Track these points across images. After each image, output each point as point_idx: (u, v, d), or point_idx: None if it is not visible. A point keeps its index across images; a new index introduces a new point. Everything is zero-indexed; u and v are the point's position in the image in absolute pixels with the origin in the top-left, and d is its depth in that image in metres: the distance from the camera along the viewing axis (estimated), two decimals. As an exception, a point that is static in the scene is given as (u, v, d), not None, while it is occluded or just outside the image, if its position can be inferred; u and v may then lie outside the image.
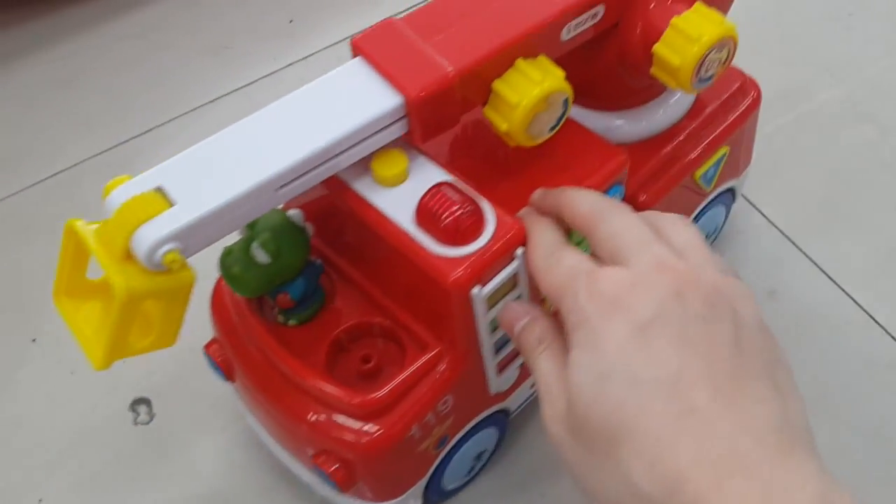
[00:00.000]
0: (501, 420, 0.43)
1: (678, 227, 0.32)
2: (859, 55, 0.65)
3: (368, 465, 0.37)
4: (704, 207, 0.47)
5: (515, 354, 0.39)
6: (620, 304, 0.28)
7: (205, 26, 0.73)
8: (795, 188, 0.55)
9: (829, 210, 0.56)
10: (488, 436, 0.43)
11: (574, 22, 0.36)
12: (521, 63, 0.35)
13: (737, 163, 0.47)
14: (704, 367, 0.27)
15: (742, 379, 0.27)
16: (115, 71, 0.70)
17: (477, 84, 0.35)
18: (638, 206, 0.42)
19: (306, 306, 0.39)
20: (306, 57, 0.70)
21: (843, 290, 0.52)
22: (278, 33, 0.72)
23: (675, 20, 0.36)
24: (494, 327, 0.37)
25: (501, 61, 0.35)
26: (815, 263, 0.53)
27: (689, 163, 0.43)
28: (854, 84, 0.63)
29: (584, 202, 0.33)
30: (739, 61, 0.42)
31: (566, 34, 0.36)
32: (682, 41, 0.36)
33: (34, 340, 0.53)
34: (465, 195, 0.34)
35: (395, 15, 0.37)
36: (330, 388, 0.36)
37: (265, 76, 0.69)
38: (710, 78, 0.38)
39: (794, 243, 0.54)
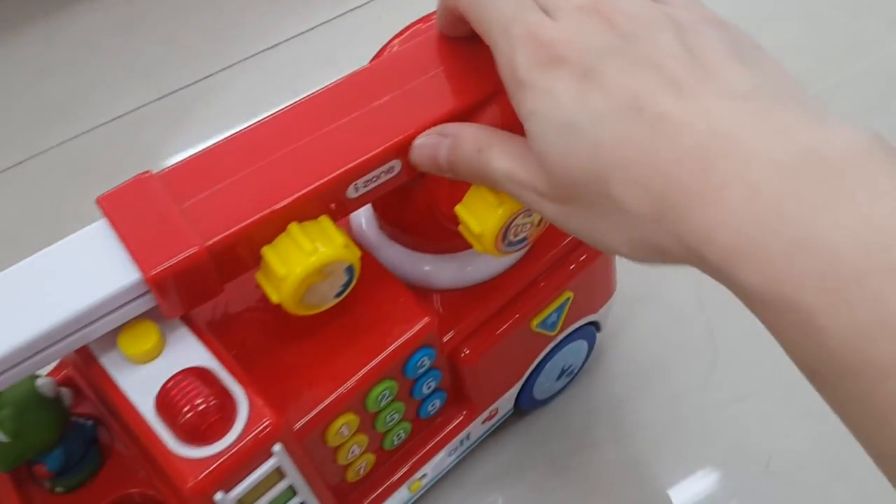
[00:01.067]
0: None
1: None
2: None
3: None
4: (555, 348, 0.43)
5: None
6: (558, 60, 0.28)
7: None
8: None
9: None
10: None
11: (362, 180, 0.32)
12: (293, 228, 0.31)
13: (590, 302, 0.43)
14: (661, 77, 0.26)
15: (702, 70, 0.26)
16: (174, 17, 0.71)
17: (241, 251, 0.31)
18: (460, 362, 0.38)
19: (74, 473, 0.35)
20: (363, 4, 0.70)
21: None
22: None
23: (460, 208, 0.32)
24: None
25: (269, 227, 0.31)
26: None
27: (521, 314, 0.39)
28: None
29: None
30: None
31: (353, 192, 0.32)
32: (484, 207, 0.32)
33: None
34: (215, 383, 0.30)
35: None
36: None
37: (324, 22, 0.69)
38: (520, 241, 0.34)
39: None
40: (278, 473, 0.31)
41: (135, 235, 0.30)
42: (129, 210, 0.30)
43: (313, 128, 0.33)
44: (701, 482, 0.46)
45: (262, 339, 0.34)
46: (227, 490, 0.30)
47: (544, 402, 0.47)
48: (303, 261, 0.31)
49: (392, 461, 0.39)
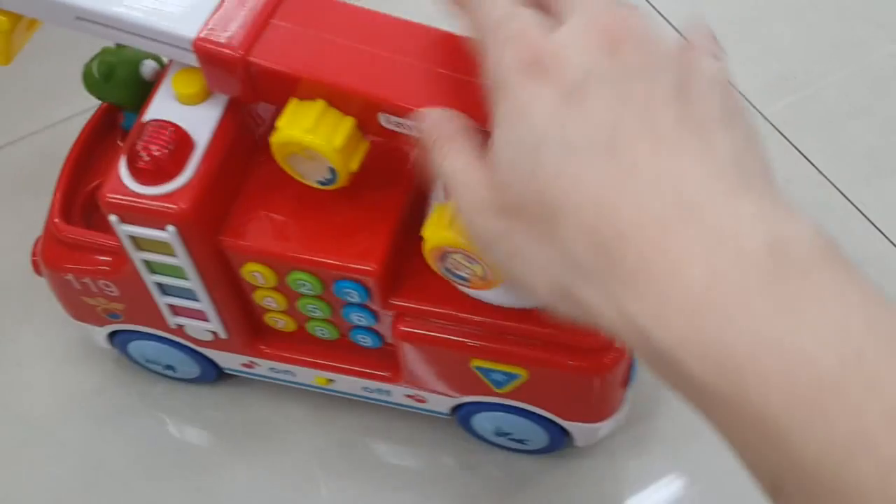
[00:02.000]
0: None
1: None
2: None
3: None
4: (496, 405, 0.40)
5: (194, 313, 0.40)
6: (545, 69, 0.26)
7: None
8: (845, 139, 0.53)
9: (879, 161, 0.56)
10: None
11: (394, 118, 0.33)
12: (318, 104, 0.33)
13: (555, 403, 0.39)
14: (644, 122, 0.25)
15: (686, 128, 0.25)
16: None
17: (272, 88, 0.34)
18: (394, 330, 0.38)
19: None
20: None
21: (891, 240, 0.52)
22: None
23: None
24: (155, 270, 0.38)
25: (305, 89, 0.33)
26: (863, 213, 0.54)
27: (466, 347, 0.37)
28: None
29: None
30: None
31: (385, 121, 0.33)
32: (437, 223, 0.31)
33: None
34: (182, 150, 0.34)
35: None
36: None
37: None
38: (460, 277, 0.33)
39: (842, 193, 0.54)
40: (169, 248, 0.36)
41: (230, 8, 0.34)
42: None
43: (406, 50, 0.33)
44: None
45: (275, 177, 0.37)
46: (122, 221, 0.35)
47: (492, 443, 0.45)
48: (295, 130, 0.33)
49: (311, 342, 0.42)
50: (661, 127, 0.24)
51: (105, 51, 0.42)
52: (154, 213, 0.35)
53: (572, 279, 0.24)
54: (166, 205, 0.34)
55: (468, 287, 0.34)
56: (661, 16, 0.62)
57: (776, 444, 0.21)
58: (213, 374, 0.46)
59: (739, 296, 0.21)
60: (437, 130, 0.30)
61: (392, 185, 0.38)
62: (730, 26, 0.60)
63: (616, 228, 0.23)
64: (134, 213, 0.35)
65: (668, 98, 0.25)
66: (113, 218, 0.35)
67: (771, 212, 0.23)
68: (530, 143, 0.25)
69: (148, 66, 0.41)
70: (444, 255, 0.32)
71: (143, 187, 0.35)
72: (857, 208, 0.54)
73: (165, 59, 0.41)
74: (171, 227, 0.35)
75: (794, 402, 0.20)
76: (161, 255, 0.36)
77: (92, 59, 0.42)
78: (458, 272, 0.32)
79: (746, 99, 0.56)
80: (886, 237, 0.53)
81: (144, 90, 0.41)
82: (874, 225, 0.54)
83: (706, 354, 0.21)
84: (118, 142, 0.43)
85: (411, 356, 0.39)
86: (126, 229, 0.35)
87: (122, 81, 0.41)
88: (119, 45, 0.42)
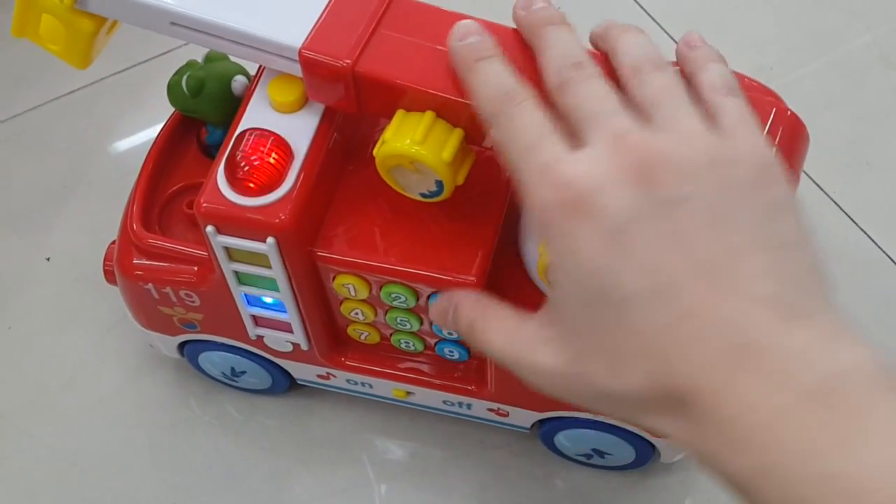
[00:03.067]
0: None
1: (651, 76, 0.29)
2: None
3: None
4: (578, 420, 0.40)
5: (278, 324, 0.39)
6: (587, 211, 0.26)
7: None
8: (822, 132, 0.50)
9: (853, 152, 0.56)
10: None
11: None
12: (427, 115, 0.32)
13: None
14: (692, 260, 0.25)
15: (732, 256, 0.25)
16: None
17: (380, 98, 0.33)
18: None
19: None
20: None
21: (866, 232, 0.53)
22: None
23: None
24: (244, 282, 0.37)
25: (415, 100, 0.32)
26: (837, 204, 0.54)
27: None
28: (882, 31, 0.62)
29: (553, 61, 0.30)
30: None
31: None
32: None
33: (48, 259, 0.53)
34: (282, 163, 0.34)
35: None
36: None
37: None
38: None
39: (816, 183, 0.55)
40: (265, 260, 0.35)
41: (335, 17, 0.33)
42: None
43: (514, 58, 0.32)
44: None
45: (371, 190, 0.37)
46: (218, 232, 0.34)
47: (573, 460, 0.44)
48: (402, 141, 0.32)
49: (393, 354, 0.41)
50: (707, 262, 0.25)
51: (193, 65, 0.41)
52: (255, 223, 0.34)
53: (645, 415, 0.27)
54: (267, 217, 0.34)
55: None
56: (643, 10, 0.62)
57: None
58: (285, 386, 0.46)
59: (801, 433, 0.23)
60: (466, 314, 0.31)
61: (488, 195, 0.37)
62: (706, 16, 0.61)
63: (682, 374, 0.25)
64: (232, 224, 0.34)
65: (710, 224, 0.26)
66: (209, 229, 0.34)
67: (821, 343, 0.24)
68: (586, 295, 0.26)
69: (239, 82, 0.40)
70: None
71: (243, 198, 0.34)
72: (831, 198, 0.55)
73: (253, 72, 0.40)
74: (270, 239, 0.34)
75: None
76: (255, 266, 0.36)
77: (178, 73, 0.41)
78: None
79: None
80: (860, 227, 0.53)
81: (233, 106, 0.40)
82: (848, 215, 0.54)
83: (776, 488, 0.23)
84: (200, 152, 0.43)
85: (503, 370, 0.38)
86: (222, 240, 0.35)
87: (212, 97, 0.40)
88: (208, 58, 0.41)
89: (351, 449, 0.47)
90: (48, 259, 0.53)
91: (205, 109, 0.41)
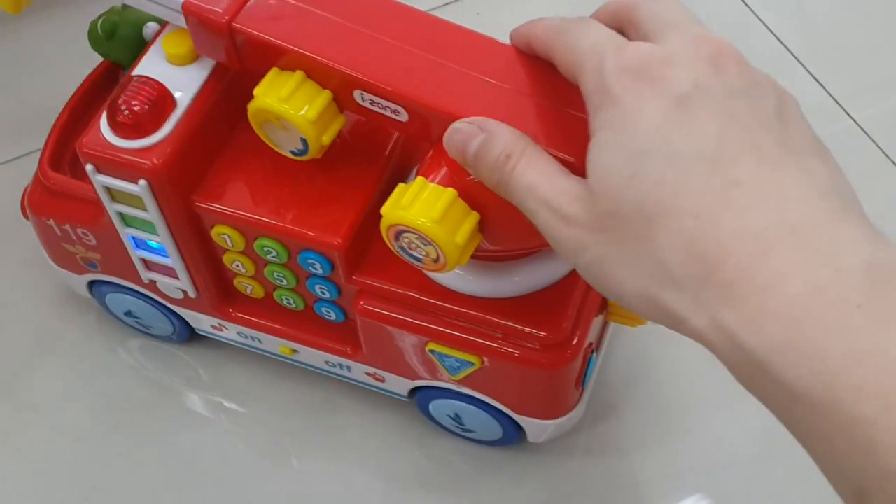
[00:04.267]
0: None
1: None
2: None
3: None
4: (449, 392, 0.41)
5: (166, 270, 0.41)
6: (654, 78, 0.26)
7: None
8: None
9: None
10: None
11: (368, 95, 0.33)
12: (297, 76, 0.34)
13: (509, 395, 0.40)
14: (749, 139, 0.26)
15: (788, 150, 0.26)
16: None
17: (255, 55, 0.34)
18: (355, 305, 0.38)
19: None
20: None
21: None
22: None
23: (400, 185, 0.32)
24: (128, 224, 0.39)
25: (288, 59, 0.34)
26: None
27: (425, 329, 0.38)
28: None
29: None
30: None
31: (360, 98, 0.34)
32: (393, 199, 0.32)
33: None
34: (163, 109, 0.35)
35: None
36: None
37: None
38: (413, 257, 0.33)
39: None
40: (141, 203, 0.37)
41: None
42: None
43: (402, 35, 0.34)
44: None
45: (260, 148, 0.38)
46: (97, 171, 0.36)
47: (450, 431, 0.45)
48: (270, 98, 0.34)
49: (278, 311, 0.43)
50: (765, 146, 0.25)
51: (112, 10, 0.43)
52: (127, 165, 0.35)
53: (661, 286, 0.25)
54: (140, 159, 0.35)
55: (422, 268, 0.34)
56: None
57: (865, 451, 0.22)
58: (186, 335, 0.47)
59: (837, 309, 0.23)
60: (505, 142, 0.29)
61: (370, 163, 0.38)
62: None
63: (716, 240, 0.24)
64: (109, 165, 0.36)
65: (770, 120, 0.26)
66: (89, 167, 0.36)
67: (868, 236, 0.24)
68: (633, 150, 0.26)
69: (150, 28, 0.42)
70: (399, 233, 0.32)
71: (121, 140, 0.35)
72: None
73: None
74: (142, 181, 0.35)
75: (887, 410, 0.21)
76: (133, 208, 0.37)
77: (98, 17, 0.42)
78: (412, 252, 0.33)
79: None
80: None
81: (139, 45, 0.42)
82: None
83: (800, 361, 0.23)
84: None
85: (371, 333, 0.40)
86: (101, 179, 0.36)
87: (124, 41, 0.42)
88: (125, 6, 0.43)
89: (256, 403, 0.48)
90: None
91: (118, 53, 0.42)
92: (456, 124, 0.31)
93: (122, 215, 0.38)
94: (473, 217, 0.32)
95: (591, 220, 0.27)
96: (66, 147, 0.43)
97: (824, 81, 0.59)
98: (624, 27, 0.30)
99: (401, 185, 0.33)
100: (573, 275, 0.37)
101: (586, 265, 0.27)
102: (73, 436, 0.47)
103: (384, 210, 0.32)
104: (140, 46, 0.42)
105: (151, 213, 0.37)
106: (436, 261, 0.33)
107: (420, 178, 0.32)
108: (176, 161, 0.36)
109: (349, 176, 0.38)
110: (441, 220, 0.31)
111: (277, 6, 0.34)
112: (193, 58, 0.37)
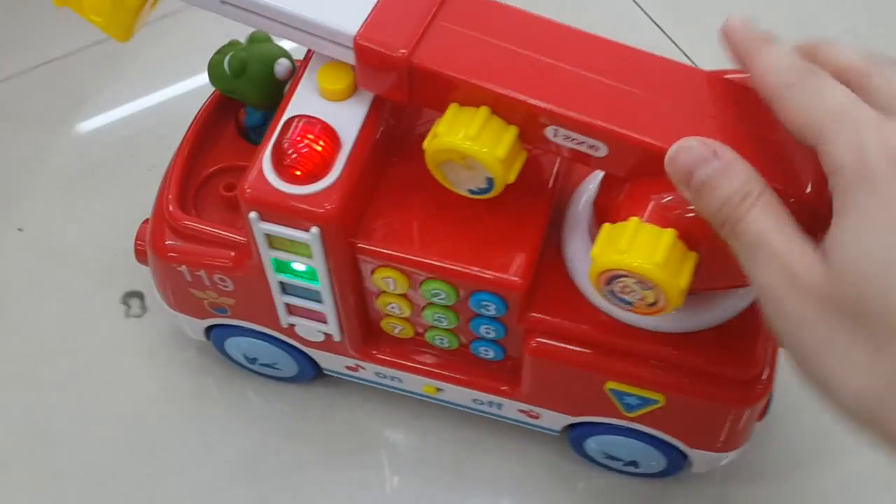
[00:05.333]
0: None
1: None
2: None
3: None
4: (618, 427, 0.39)
5: (312, 314, 0.39)
6: None
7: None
8: None
9: None
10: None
11: (563, 131, 0.31)
12: (481, 112, 0.32)
13: (686, 431, 0.38)
14: None
15: None
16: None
17: (434, 90, 0.32)
18: (524, 344, 0.36)
19: (258, 137, 0.41)
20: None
21: None
22: None
23: (606, 225, 0.30)
24: (281, 270, 0.36)
25: (469, 94, 0.32)
26: None
27: (603, 367, 0.36)
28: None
29: (849, 50, 0.28)
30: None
31: (551, 134, 0.32)
32: (603, 241, 0.30)
33: (21, 230, 0.52)
34: (329, 153, 0.33)
35: None
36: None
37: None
38: (624, 301, 0.31)
39: None
40: (306, 249, 0.34)
41: (391, 5, 0.32)
42: None
43: (586, 62, 0.32)
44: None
45: (416, 183, 0.36)
46: (261, 218, 0.34)
47: (599, 464, 0.44)
48: (455, 136, 0.32)
49: (426, 350, 0.41)
50: None
51: (235, 45, 0.40)
52: (299, 212, 0.33)
53: (885, 391, 0.23)
54: (311, 207, 0.33)
55: (630, 311, 0.32)
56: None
57: None
58: (311, 375, 0.45)
59: None
60: (744, 180, 0.27)
61: (534, 195, 0.36)
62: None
63: None
64: (276, 212, 0.33)
65: None
66: (252, 215, 0.34)
67: None
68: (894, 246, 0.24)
69: (282, 66, 0.39)
70: (612, 278, 0.30)
71: (289, 186, 0.33)
72: None
73: (296, 55, 0.39)
74: (314, 229, 0.33)
75: None
76: (296, 255, 0.35)
77: (220, 52, 0.40)
78: (623, 296, 0.31)
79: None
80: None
81: (275, 89, 0.40)
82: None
83: None
84: (238, 134, 0.42)
85: (540, 372, 0.38)
86: (265, 227, 0.34)
87: (254, 78, 0.39)
88: (251, 39, 0.40)
89: (367, 439, 0.46)
90: (20, 230, 0.52)
91: (246, 91, 0.40)
92: (686, 141, 0.28)
93: (275, 262, 0.36)
94: (692, 258, 0.30)
95: (826, 297, 0.25)
96: (187, 185, 0.41)
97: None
98: (852, 89, 0.27)
99: (607, 226, 0.31)
100: (754, 305, 0.36)
101: (802, 345, 0.25)
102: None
103: (594, 253, 0.30)
104: (268, 83, 0.40)
105: (316, 260, 0.35)
106: (652, 304, 0.31)
107: (634, 219, 0.30)
108: (348, 205, 0.33)
109: (515, 211, 0.36)
110: (665, 263, 0.29)
111: (456, 38, 0.32)
112: (351, 92, 0.35)
